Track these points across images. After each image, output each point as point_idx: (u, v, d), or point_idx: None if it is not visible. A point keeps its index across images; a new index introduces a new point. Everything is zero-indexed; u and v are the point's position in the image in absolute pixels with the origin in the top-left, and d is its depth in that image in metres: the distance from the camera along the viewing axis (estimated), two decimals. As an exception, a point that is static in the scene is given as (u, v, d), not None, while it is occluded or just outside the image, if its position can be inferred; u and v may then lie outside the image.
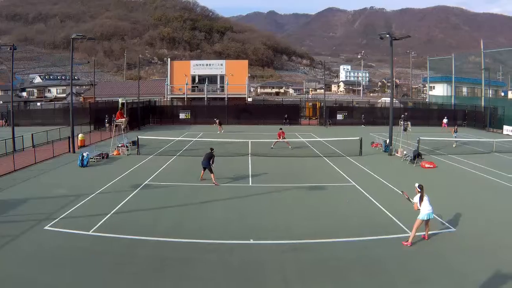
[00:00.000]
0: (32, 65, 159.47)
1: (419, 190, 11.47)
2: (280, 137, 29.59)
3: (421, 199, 11.33)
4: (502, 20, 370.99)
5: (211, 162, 18.49)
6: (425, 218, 11.26)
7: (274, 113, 52.99)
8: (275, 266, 9.93)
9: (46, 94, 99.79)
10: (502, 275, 9.28)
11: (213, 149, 19.33)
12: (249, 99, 68.59)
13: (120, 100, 37.25)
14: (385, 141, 28.88)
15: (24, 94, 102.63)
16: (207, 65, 64.94)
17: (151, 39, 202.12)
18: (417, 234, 11.33)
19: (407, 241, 11.25)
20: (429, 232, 11.66)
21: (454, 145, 31.71)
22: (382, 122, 49.25)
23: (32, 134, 28.92)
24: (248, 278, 9.39)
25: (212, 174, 18.33)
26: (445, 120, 50.04)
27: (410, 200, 11.87)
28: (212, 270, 9.71)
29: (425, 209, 11.23)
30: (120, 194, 16.32)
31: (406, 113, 31.83)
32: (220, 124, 42.47)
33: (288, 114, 52.11)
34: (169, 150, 28.40)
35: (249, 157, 25.47)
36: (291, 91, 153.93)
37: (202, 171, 18.87)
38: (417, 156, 23.92)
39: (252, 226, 12.82)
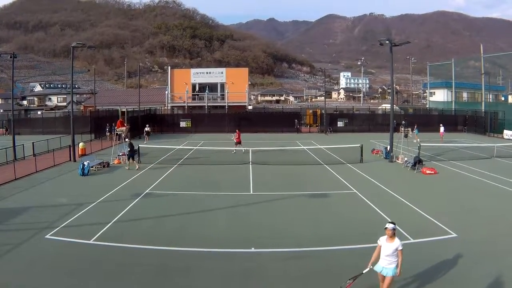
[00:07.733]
0: (32, 73, 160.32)
1: (392, 230, 8.21)
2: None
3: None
4: (502, 24, 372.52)
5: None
6: (378, 270, 8.22)
7: (275, 121, 53.23)
8: (277, 274, 9.86)
9: (46, 103, 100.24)
10: (504, 281, 9.23)
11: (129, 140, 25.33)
12: (250, 107, 68.71)
13: (120, 109, 37.33)
14: (386, 147, 28.87)
15: (25, 102, 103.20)
16: (207, 73, 65.01)
17: (151, 47, 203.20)
18: None
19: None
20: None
21: None
22: (381, 129, 49.41)
23: (32, 143, 28.96)
24: (250, 286, 9.35)
25: (134, 161, 24.18)
26: (442, 129, 42.00)
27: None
28: (213, 278, 9.66)
29: (379, 258, 8.19)
30: (121, 203, 16.29)
31: (406, 119, 31.84)
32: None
33: (290, 121, 52.18)
34: (170, 158, 28.38)
35: (250, 165, 25.42)
36: (291, 98, 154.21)
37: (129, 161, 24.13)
38: (418, 162, 23.89)
39: (254, 234, 12.76)
